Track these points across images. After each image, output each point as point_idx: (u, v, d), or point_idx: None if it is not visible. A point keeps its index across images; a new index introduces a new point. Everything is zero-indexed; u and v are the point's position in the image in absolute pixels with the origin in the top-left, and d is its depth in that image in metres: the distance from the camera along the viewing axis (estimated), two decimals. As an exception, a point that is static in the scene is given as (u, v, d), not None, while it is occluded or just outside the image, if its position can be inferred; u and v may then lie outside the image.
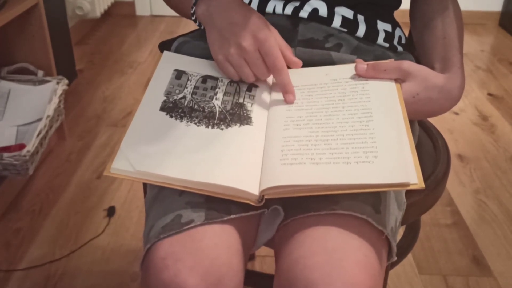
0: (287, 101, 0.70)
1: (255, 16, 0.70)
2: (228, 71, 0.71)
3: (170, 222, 0.60)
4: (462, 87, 0.70)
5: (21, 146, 1.43)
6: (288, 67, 0.71)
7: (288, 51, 0.71)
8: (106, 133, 1.93)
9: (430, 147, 0.95)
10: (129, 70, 2.45)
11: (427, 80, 0.68)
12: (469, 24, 3.15)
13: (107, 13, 3.15)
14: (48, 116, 1.52)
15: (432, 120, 1.30)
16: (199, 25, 0.76)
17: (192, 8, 0.76)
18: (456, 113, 2.14)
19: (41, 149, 1.49)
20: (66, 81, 1.69)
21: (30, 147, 1.38)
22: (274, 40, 0.68)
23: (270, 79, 0.75)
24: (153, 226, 0.62)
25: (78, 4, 2.64)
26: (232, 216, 0.61)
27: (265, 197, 0.60)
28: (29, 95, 1.63)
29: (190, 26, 3.05)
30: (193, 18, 0.76)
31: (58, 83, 1.67)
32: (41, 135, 1.46)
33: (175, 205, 0.62)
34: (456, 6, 0.79)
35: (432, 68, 0.73)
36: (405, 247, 1.00)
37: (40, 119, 1.55)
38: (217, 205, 0.61)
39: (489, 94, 2.31)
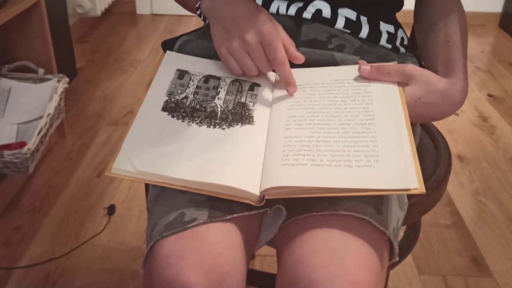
0: (289, 93, 0.70)
1: (258, 10, 0.70)
2: (230, 65, 0.71)
3: (173, 220, 0.60)
4: (465, 92, 0.70)
5: (21, 144, 1.43)
6: (291, 63, 0.71)
7: (292, 46, 0.71)
8: (106, 131, 1.93)
9: (431, 148, 0.95)
10: (129, 69, 2.45)
11: (429, 84, 0.68)
12: (469, 25, 3.15)
13: (107, 11, 3.15)
14: (49, 114, 1.52)
15: (432, 120, 1.30)
16: (204, 19, 0.76)
17: (197, 2, 0.76)
18: (456, 114, 2.14)
19: (42, 147, 1.49)
20: (67, 79, 1.69)
21: (31, 145, 1.38)
22: (277, 33, 0.68)
23: (273, 77, 0.75)
24: (156, 224, 0.62)
25: (78, 2, 2.64)
26: (235, 215, 0.62)
27: (266, 197, 0.60)
28: (29, 93, 1.63)
29: (190, 25, 3.05)
30: (198, 12, 0.76)
31: (58, 81, 1.67)
32: (41, 133, 1.46)
33: (178, 203, 0.63)
34: (461, 9, 0.79)
35: (435, 71, 0.73)
36: (405, 247, 1.00)
37: (40, 117, 1.56)
38: (220, 203, 0.62)
39: (489, 95, 2.31)
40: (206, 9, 0.74)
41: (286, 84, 0.70)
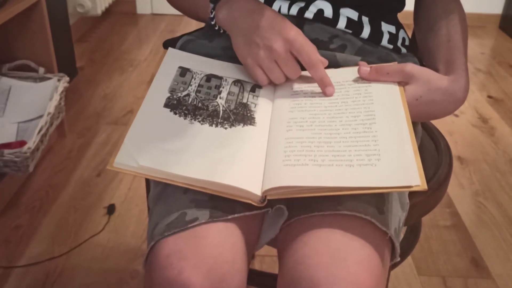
0: (327, 94, 0.69)
1: (279, 18, 0.70)
2: (257, 75, 0.71)
3: (175, 220, 0.60)
4: (467, 89, 0.70)
5: (21, 143, 1.43)
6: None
7: (315, 50, 0.70)
8: (106, 131, 1.93)
9: (432, 149, 0.95)
10: (129, 68, 2.45)
11: (430, 83, 0.68)
12: (469, 27, 3.15)
13: (108, 11, 3.15)
14: (49, 113, 1.52)
15: (432, 121, 1.30)
16: (219, 29, 0.76)
17: (212, 12, 0.75)
18: (456, 115, 2.14)
19: (42, 146, 1.49)
20: (67, 78, 1.69)
21: (31, 144, 1.38)
22: (304, 38, 0.69)
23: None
24: (158, 224, 0.62)
25: (79, 1, 2.64)
26: (236, 215, 0.61)
27: (268, 197, 0.60)
28: (30, 92, 1.63)
29: (191, 25, 3.05)
30: (213, 22, 0.76)
31: (59, 80, 1.67)
32: (41, 132, 1.46)
33: (180, 203, 0.62)
34: (461, 9, 0.79)
35: (436, 70, 0.73)
36: (406, 248, 1.00)
37: (41, 116, 1.55)
38: (221, 203, 0.62)
39: (489, 97, 2.32)
40: (223, 20, 0.73)
41: (323, 85, 0.70)
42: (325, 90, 0.70)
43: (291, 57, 0.69)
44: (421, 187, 0.55)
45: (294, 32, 0.68)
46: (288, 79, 0.72)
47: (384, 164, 0.58)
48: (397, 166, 0.57)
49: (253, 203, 0.60)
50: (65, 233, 1.42)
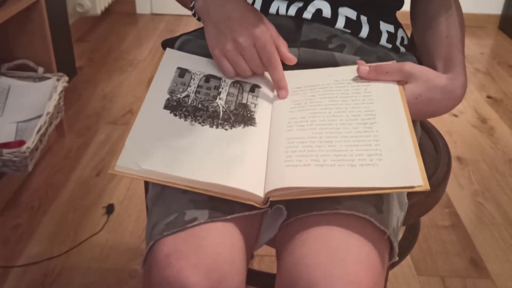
0: (280, 97, 0.71)
1: (251, 12, 0.71)
2: (224, 67, 0.71)
3: (174, 219, 0.60)
4: (465, 87, 0.70)
5: (20, 143, 1.43)
6: (284, 64, 0.71)
7: (284, 47, 0.71)
8: (106, 130, 1.92)
9: (431, 148, 0.95)
10: (129, 68, 2.45)
11: (429, 81, 0.68)
12: (469, 27, 3.16)
13: (107, 11, 3.15)
14: (48, 113, 1.52)
15: (430, 121, 1.31)
16: (198, 19, 0.77)
17: (192, 2, 0.76)
18: (455, 115, 2.14)
19: (41, 145, 1.49)
20: (66, 78, 1.69)
21: (30, 143, 1.38)
22: (270, 36, 0.69)
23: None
24: (156, 224, 0.62)
25: (78, 1, 2.63)
26: (235, 215, 0.61)
27: (270, 199, 0.60)
28: (29, 92, 1.63)
29: (190, 24, 3.05)
30: (193, 12, 0.76)
31: (58, 80, 1.66)
32: (41, 132, 1.46)
33: (179, 203, 0.62)
34: (458, 6, 0.79)
35: (434, 67, 0.73)
36: (404, 248, 1.00)
37: (40, 116, 1.55)
38: (220, 203, 0.62)
39: (488, 97, 2.32)
40: (199, 9, 0.74)
41: (278, 87, 0.71)
42: (278, 92, 0.71)
43: (255, 52, 0.69)
44: (424, 188, 0.55)
45: (261, 29, 0.69)
46: (255, 74, 0.73)
47: (386, 165, 0.58)
48: (399, 167, 0.57)
49: (256, 205, 0.60)
50: (64, 233, 1.42)
